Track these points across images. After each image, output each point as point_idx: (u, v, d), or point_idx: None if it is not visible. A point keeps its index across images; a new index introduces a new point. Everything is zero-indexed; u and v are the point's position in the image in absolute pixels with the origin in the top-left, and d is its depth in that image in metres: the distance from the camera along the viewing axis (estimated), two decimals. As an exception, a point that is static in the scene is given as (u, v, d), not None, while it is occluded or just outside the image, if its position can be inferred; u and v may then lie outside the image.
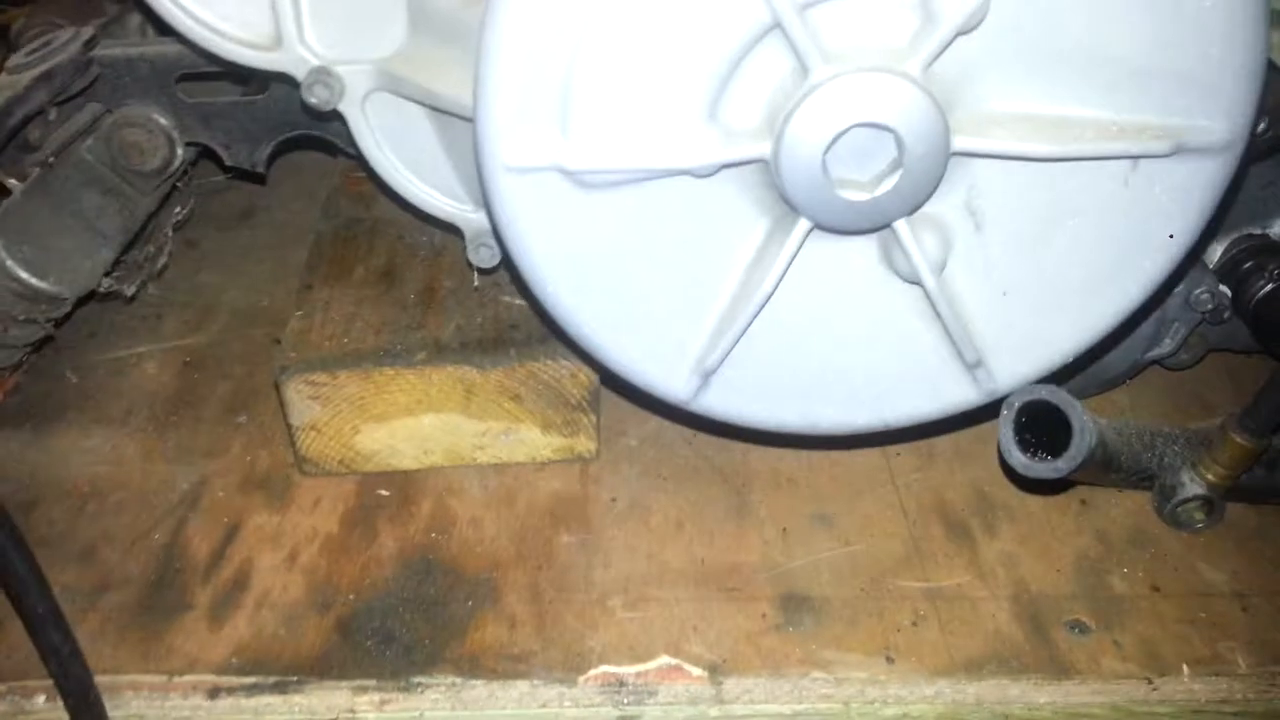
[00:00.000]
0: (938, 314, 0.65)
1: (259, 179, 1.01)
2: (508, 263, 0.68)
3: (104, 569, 0.85)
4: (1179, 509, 0.86)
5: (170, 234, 1.01)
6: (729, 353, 0.67)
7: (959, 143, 0.59)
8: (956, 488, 0.92)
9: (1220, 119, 0.57)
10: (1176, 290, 0.90)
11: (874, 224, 0.62)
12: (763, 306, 0.64)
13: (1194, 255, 0.85)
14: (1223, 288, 0.92)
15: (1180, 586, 0.83)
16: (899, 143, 0.58)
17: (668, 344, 0.67)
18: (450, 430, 0.91)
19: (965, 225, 0.64)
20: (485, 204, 0.63)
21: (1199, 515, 0.87)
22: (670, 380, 0.69)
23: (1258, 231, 0.95)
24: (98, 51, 0.90)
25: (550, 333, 0.84)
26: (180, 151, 0.97)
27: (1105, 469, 0.82)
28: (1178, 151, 0.58)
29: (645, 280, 0.65)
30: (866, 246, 0.65)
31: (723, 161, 0.60)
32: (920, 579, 0.83)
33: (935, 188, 0.60)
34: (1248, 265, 0.93)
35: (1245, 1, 0.55)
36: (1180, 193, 0.60)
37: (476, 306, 0.95)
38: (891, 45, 0.57)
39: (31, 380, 1.05)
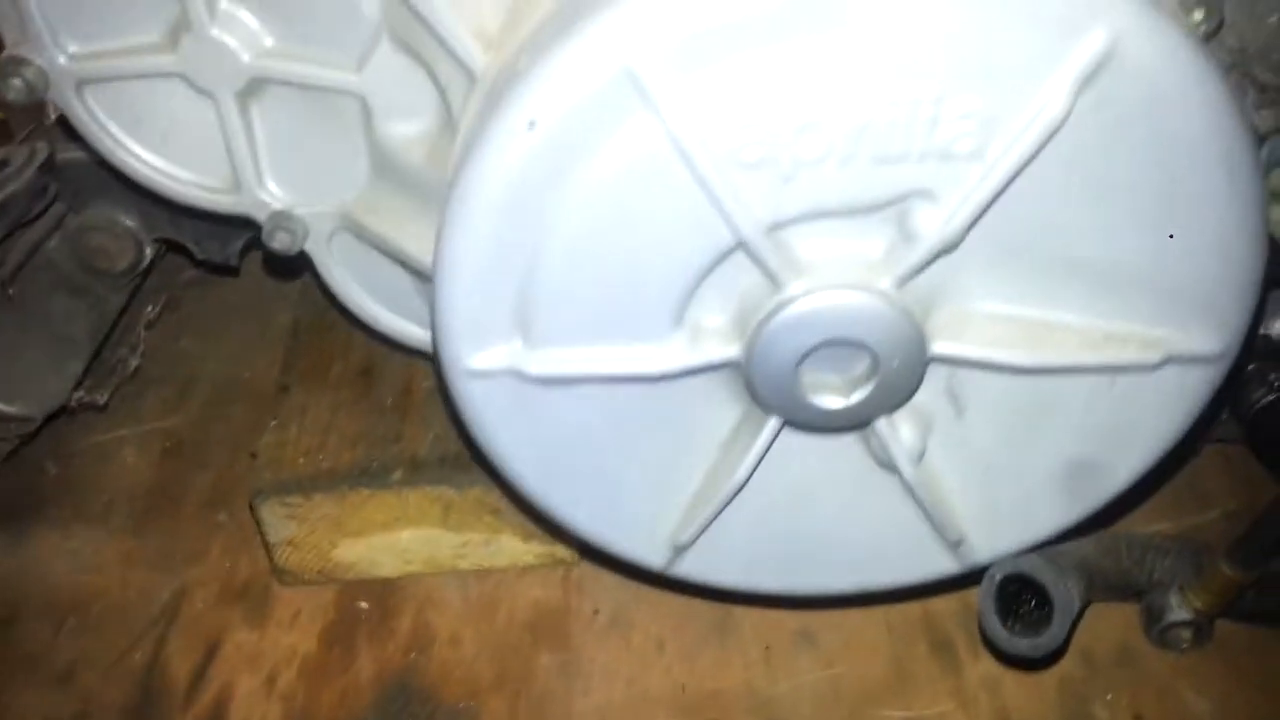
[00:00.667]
0: (916, 499, 0.63)
1: (233, 272, 0.98)
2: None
3: (84, 694, 0.85)
4: (1166, 632, 0.85)
5: (143, 333, 0.98)
6: (703, 531, 0.65)
7: (937, 348, 0.56)
8: (944, 598, 0.91)
9: (1213, 332, 0.55)
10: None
11: (849, 425, 0.59)
12: (735, 494, 0.62)
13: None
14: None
15: (1163, 715, 0.82)
16: (873, 356, 0.55)
17: (640, 523, 0.66)
18: (429, 542, 0.90)
19: (947, 410, 0.62)
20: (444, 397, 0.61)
21: (1186, 637, 0.85)
22: (644, 553, 0.68)
23: (1260, 332, 0.92)
24: (58, 155, 0.87)
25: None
26: (149, 250, 0.94)
27: (1092, 590, 0.81)
28: (1167, 363, 0.55)
29: (614, 466, 0.63)
30: (844, 434, 0.62)
31: (690, 367, 0.57)
32: (903, 707, 0.82)
33: (914, 391, 0.58)
34: (1250, 368, 0.90)
35: (1243, 217, 0.51)
36: (1169, 397, 0.57)
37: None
38: (867, 257, 0.54)
39: (11, 470, 1.03)
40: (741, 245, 0.52)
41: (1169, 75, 0.46)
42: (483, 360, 0.57)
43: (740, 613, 0.90)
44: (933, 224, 0.51)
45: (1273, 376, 0.88)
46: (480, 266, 0.54)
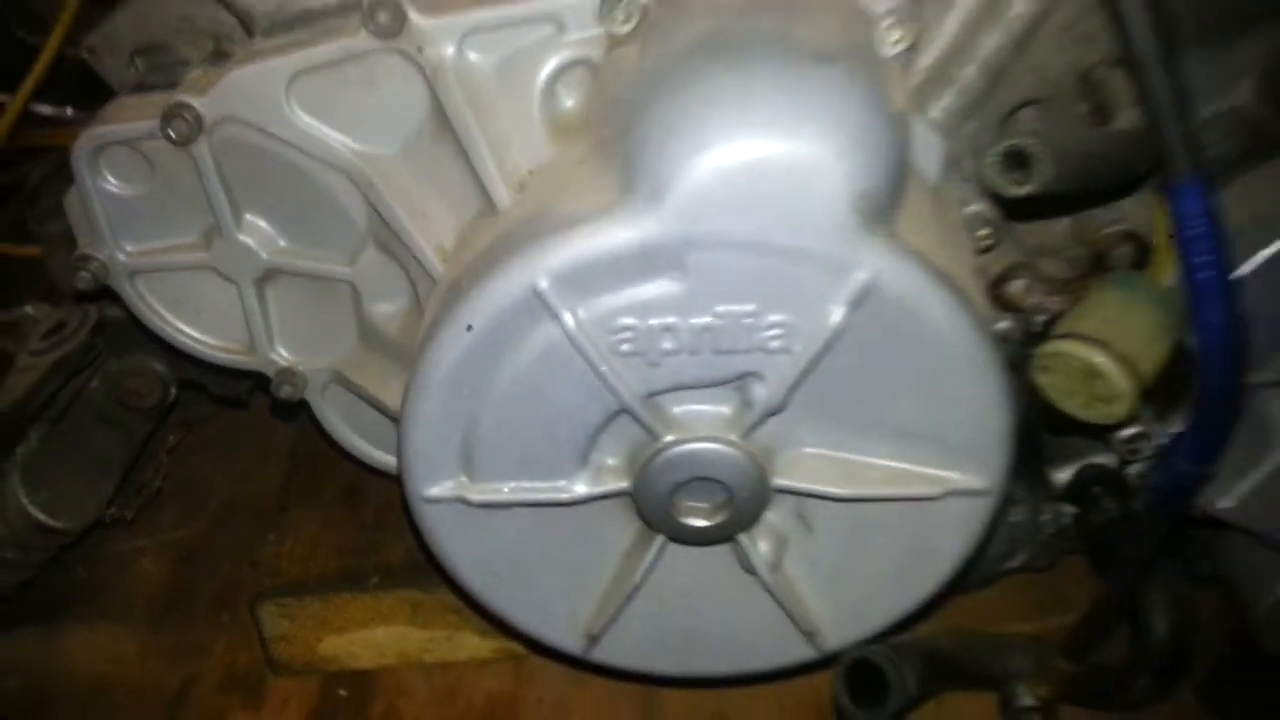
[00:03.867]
0: (775, 598, 0.80)
1: (241, 405, 1.17)
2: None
3: (105, 768, 1.01)
4: (1017, 716, 1.01)
5: (165, 459, 1.17)
6: (610, 623, 0.82)
7: (777, 482, 0.75)
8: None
9: (980, 472, 0.73)
10: (1024, 517, 1.05)
11: (719, 539, 0.78)
12: (632, 596, 0.80)
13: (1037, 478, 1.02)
14: (1067, 508, 1.08)
15: (1017, 791, 0.98)
16: (727, 488, 0.74)
17: (561, 617, 0.83)
18: (400, 638, 1.07)
19: (798, 528, 0.80)
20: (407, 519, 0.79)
21: (1036, 720, 1.02)
22: (565, 641, 0.85)
23: (1100, 460, 1.10)
24: (104, 312, 1.07)
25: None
26: (173, 390, 1.13)
27: (952, 680, 0.98)
28: (949, 495, 0.74)
29: (539, 572, 0.81)
30: (717, 546, 0.80)
31: (593, 495, 0.76)
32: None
33: (762, 512, 0.76)
34: (1095, 490, 1.07)
35: (987, 392, 0.71)
36: (956, 520, 0.76)
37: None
38: (720, 416, 0.73)
39: (46, 574, 1.20)
40: (625, 409, 0.71)
41: (919, 302, 0.66)
42: (435, 491, 0.76)
43: (665, 695, 1.06)
44: (762, 395, 0.70)
45: (1109, 502, 1.06)
46: (434, 423, 0.73)
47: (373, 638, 1.06)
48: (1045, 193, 0.63)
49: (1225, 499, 0.88)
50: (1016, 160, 0.63)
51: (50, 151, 1.28)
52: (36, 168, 1.32)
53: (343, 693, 1.07)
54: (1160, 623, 0.96)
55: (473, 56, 0.74)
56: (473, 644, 1.08)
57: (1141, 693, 0.98)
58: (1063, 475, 1.07)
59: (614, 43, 0.71)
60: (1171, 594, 0.98)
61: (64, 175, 1.24)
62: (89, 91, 1.00)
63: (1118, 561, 0.91)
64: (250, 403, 1.17)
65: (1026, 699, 1.00)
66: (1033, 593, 1.19)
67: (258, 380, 1.13)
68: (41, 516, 1.03)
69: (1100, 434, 0.92)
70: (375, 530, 1.10)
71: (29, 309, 1.13)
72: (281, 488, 1.17)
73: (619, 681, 1.06)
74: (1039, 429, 1.03)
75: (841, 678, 0.84)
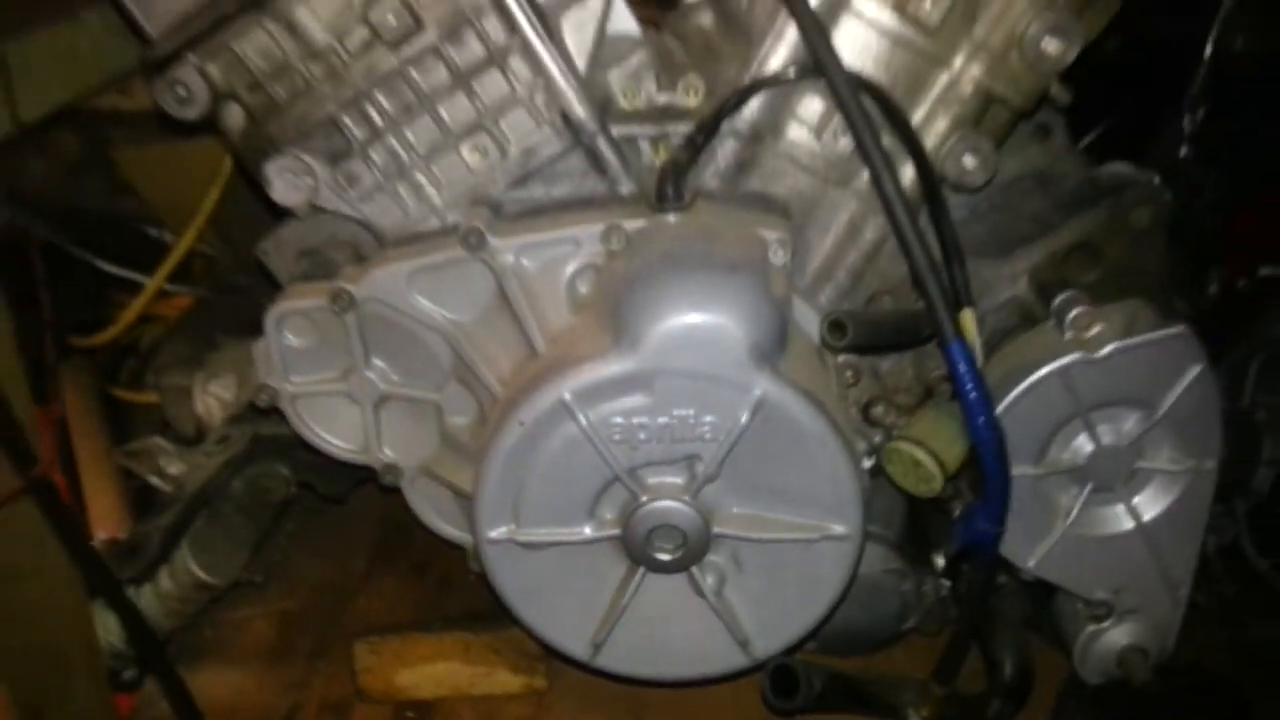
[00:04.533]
0: (719, 617, 1.20)
1: (341, 502, 1.59)
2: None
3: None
4: (906, 731, 1.37)
5: (282, 541, 1.58)
6: (609, 635, 1.22)
7: (716, 530, 1.16)
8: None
9: (843, 523, 1.14)
10: (912, 587, 1.44)
11: (678, 569, 1.18)
12: (622, 614, 1.20)
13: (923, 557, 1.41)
14: (945, 581, 1.46)
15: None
16: (683, 533, 1.15)
17: (575, 630, 1.22)
18: (454, 673, 1.45)
19: (732, 567, 1.20)
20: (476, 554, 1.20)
21: (922, 745, 1.38)
22: (577, 649, 1.24)
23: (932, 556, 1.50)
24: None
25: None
26: (293, 489, 1.56)
27: (854, 700, 1.35)
28: (824, 539, 1.15)
29: (564, 595, 1.21)
30: (681, 578, 1.21)
31: (595, 538, 1.17)
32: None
33: (708, 550, 1.17)
34: (963, 566, 1.47)
35: (844, 468, 1.13)
36: (834, 557, 1.16)
37: (475, 588, 1.50)
38: (678, 482, 1.15)
39: (182, 631, 1.59)
40: (618, 478, 1.13)
41: (793, 411, 1.09)
42: (495, 534, 1.17)
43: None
44: (701, 469, 1.12)
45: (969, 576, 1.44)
46: (496, 487, 1.15)
47: (434, 672, 1.44)
48: (858, 347, 1.07)
49: (1030, 559, 1.28)
50: (837, 326, 1.08)
51: (155, 320, 1.75)
52: (148, 332, 1.80)
53: (410, 714, 1.44)
54: (1006, 660, 1.35)
55: (525, 262, 1.20)
56: (506, 679, 1.45)
57: (996, 714, 1.35)
58: (940, 559, 1.47)
59: (610, 256, 1.17)
60: (1014, 636, 1.37)
61: (174, 338, 1.71)
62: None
63: (960, 601, 1.30)
64: (346, 500, 1.59)
65: (913, 718, 1.37)
66: (930, 654, 1.56)
67: (356, 482, 1.56)
68: (202, 575, 1.43)
69: (939, 507, 1.32)
70: (438, 592, 1.50)
71: (158, 439, 1.57)
72: (368, 563, 1.57)
73: (614, 708, 1.44)
74: (925, 523, 1.45)
75: (767, 677, 1.23)
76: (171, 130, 1.29)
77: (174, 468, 1.54)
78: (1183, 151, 1.82)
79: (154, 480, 1.54)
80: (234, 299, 1.75)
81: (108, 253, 1.66)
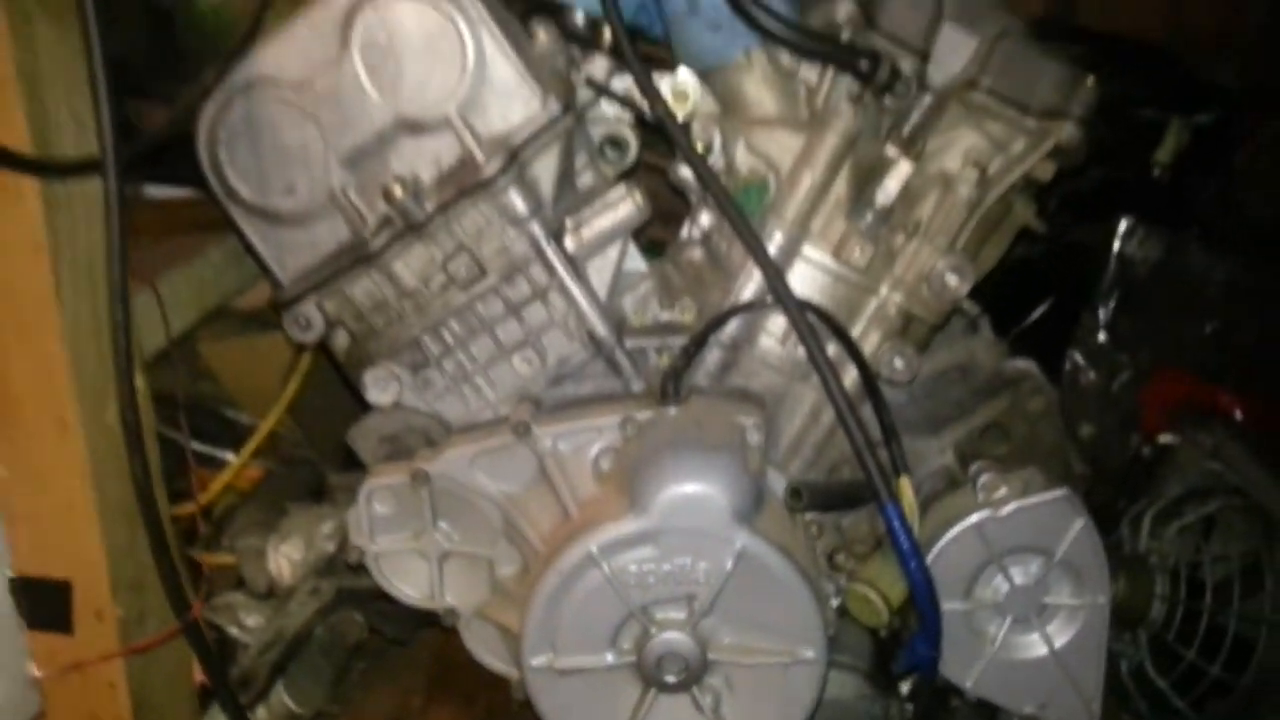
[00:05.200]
0: (715, 729, 1.50)
1: (406, 644, 1.91)
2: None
3: None
4: None
5: (354, 678, 1.89)
6: (627, 748, 1.51)
7: (711, 656, 1.47)
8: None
9: (810, 648, 1.45)
10: (880, 711, 1.72)
11: (683, 689, 1.48)
12: (639, 725, 1.50)
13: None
14: (909, 706, 1.75)
15: None
16: (685, 660, 1.46)
17: (601, 742, 1.52)
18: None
19: (725, 688, 1.51)
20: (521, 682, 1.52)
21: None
22: (602, 760, 1.53)
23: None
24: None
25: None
26: (365, 633, 1.87)
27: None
28: (795, 663, 1.46)
29: (592, 712, 1.51)
30: (684, 699, 1.51)
31: (615, 664, 1.48)
32: None
33: (704, 675, 1.48)
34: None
35: (810, 605, 1.45)
36: (804, 677, 1.47)
37: (517, 715, 1.79)
38: (680, 616, 1.47)
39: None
40: (633, 614, 1.46)
41: (767, 560, 1.42)
42: (537, 662, 1.49)
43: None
44: (697, 605, 1.45)
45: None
46: (539, 623, 1.47)
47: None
48: (815, 507, 1.42)
49: (968, 680, 1.57)
50: (795, 493, 1.43)
51: (226, 490, 2.10)
52: (221, 500, 2.14)
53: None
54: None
55: (560, 446, 1.56)
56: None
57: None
58: (905, 686, 1.76)
59: (625, 440, 1.53)
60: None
61: (248, 505, 2.07)
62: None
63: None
64: (411, 643, 1.91)
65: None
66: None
67: (418, 626, 1.88)
68: (293, 706, 1.74)
69: (900, 642, 1.63)
70: (485, 713, 1.80)
71: (238, 594, 1.90)
72: (425, 697, 1.88)
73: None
74: (891, 657, 1.75)
75: (755, 781, 1.51)
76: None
77: (251, 619, 1.87)
78: (1100, 338, 2.22)
79: (233, 631, 1.86)
80: (300, 471, 2.12)
81: (193, 431, 2.03)
